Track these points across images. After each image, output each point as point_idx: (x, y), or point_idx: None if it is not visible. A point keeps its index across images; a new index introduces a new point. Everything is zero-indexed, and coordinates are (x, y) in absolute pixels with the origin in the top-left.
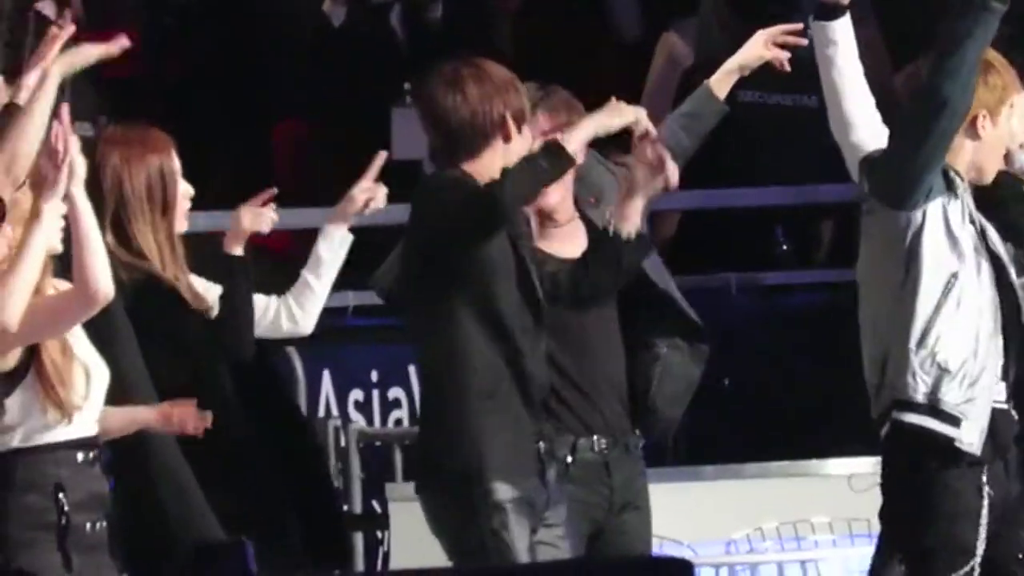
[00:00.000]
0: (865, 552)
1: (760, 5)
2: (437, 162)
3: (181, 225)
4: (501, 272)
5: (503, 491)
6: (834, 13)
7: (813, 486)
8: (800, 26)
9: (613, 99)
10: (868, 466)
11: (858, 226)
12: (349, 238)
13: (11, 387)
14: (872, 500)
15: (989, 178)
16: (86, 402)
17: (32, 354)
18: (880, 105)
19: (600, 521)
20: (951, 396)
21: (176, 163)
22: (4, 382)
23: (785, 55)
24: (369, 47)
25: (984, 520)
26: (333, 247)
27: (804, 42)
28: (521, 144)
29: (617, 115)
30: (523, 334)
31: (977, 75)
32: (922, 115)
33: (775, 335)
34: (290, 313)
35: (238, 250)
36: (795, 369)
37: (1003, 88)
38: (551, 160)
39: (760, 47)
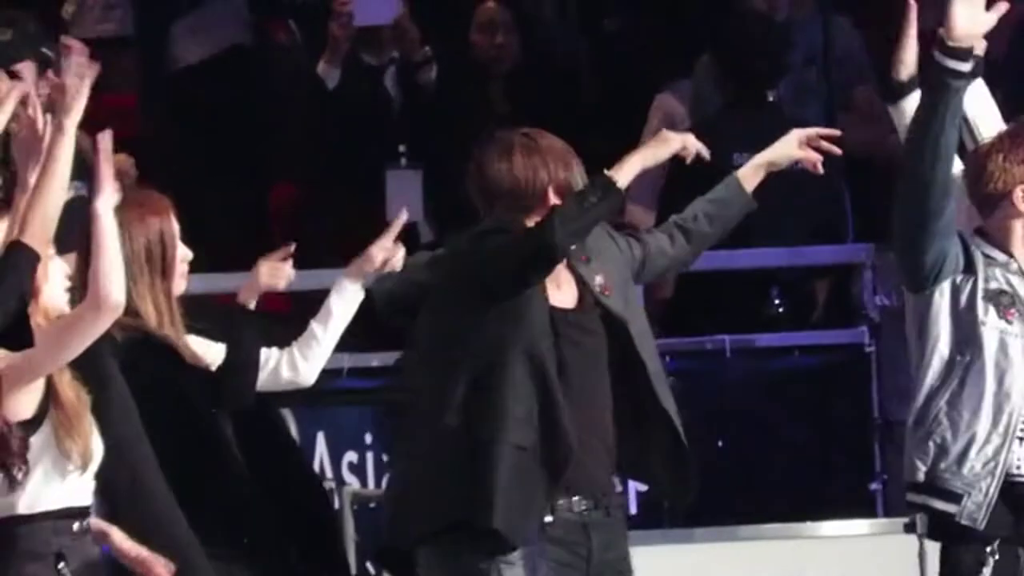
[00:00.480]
0: None
1: (753, 68)
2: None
3: (179, 287)
4: (538, 324)
5: (520, 563)
6: (899, 93)
7: (807, 548)
8: (836, 132)
9: (663, 129)
10: (862, 528)
11: (853, 287)
12: (361, 295)
13: (30, 433)
14: (866, 562)
15: None
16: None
17: (49, 400)
18: (876, 171)
19: None
20: (950, 474)
21: (175, 226)
22: (23, 429)
23: (818, 158)
24: (364, 109)
25: None
26: (345, 301)
27: (838, 151)
28: None
29: (665, 145)
30: (556, 385)
31: (955, 145)
32: (905, 195)
33: (770, 397)
34: (292, 363)
35: (250, 303)
36: (790, 431)
37: None
38: (601, 195)
39: (794, 147)
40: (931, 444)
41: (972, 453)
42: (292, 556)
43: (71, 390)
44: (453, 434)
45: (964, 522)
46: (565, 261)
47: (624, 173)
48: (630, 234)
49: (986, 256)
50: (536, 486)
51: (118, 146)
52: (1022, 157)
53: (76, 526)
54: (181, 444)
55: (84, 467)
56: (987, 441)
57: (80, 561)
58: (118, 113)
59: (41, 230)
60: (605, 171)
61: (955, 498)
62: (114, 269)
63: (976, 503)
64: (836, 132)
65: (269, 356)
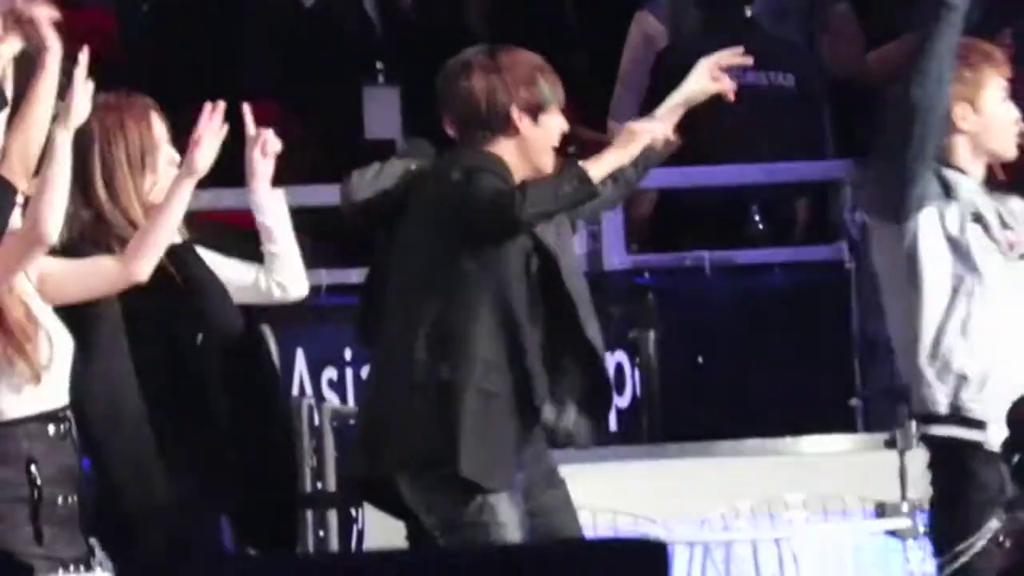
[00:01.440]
0: (840, 530)
1: None
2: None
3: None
4: (513, 264)
5: (502, 507)
6: None
7: (788, 464)
8: (746, 60)
9: (629, 125)
10: (843, 444)
11: (833, 204)
12: (278, 194)
13: None
14: (847, 478)
15: (1010, 153)
16: (51, 366)
17: None
18: (856, 89)
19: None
20: (974, 402)
21: (158, 128)
22: None
23: (732, 85)
24: (341, 27)
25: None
26: (273, 211)
27: (749, 61)
28: (541, 134)
29: (635, 141)
30: (530, 332)
31: (951, 72)
32: (898, 123)
33: (749, 314)
34: (277, 283)
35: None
36: (770, 347)
37: (975, 75)
38: (576, 185)
39: (706, 80)
40: (950, 375)
41: (992, 377)
42: (253, 490)
43: (18, 306)
44: (422, 370)
45: (991, 448)
46: None
47: (599, 169)
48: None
49: (953, 179)
50: (508, 432)
51: (94, 64)
52: (956, 75)
53: (52, 430)
54: (163, 367)
55: (36, 379)
56: (1006, 361)
57: (56, 467)
58: (94, 31)
59: (20, 164)
60: (581, 163)
61: (981, 425)
62: (55, 204)
63: (1001, 428)
64: (745, 60)
65: (257, 274)
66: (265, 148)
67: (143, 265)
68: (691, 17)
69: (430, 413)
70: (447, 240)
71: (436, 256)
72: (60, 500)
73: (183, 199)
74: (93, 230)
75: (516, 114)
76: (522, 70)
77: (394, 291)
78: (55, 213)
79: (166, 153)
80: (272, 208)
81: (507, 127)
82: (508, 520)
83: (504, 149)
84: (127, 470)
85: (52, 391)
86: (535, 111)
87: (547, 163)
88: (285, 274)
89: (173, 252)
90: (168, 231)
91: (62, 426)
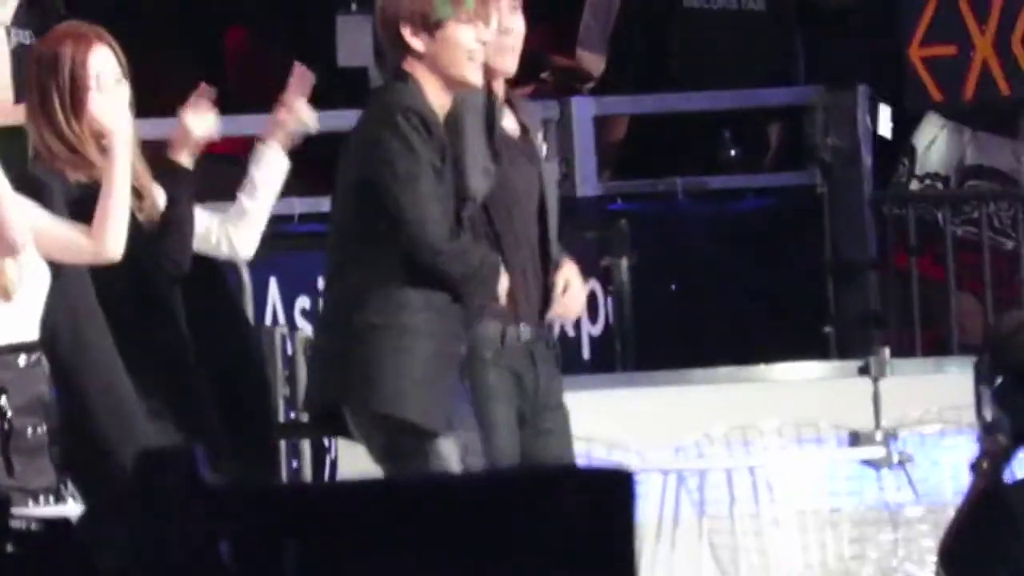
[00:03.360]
0: (814, 457)
1: None
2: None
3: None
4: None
5: (442, 444)
6: None
7: (761, 391)
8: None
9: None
10: (816, 371)
11: (806, 129)
12: (284, 158)
13: None
14: (820, 405)
15: None
16: (22, 294)
17: None
18: (821, 12)
19: (525, 413)
20: None
21: (98, 57)
22: None
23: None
24: None
25: None
26: (268, 168)
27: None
28: (442, 49)
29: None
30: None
31: None
32: None
33: (722, 239)
34: (228, 239)
35: (184, 159)
36: (743, 274)
37: None
38: (478, 290)
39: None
40: None
41: None
42: (219, 420)
43: None
44: (342, 309)
45: None
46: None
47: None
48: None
49: None
50: (446, 369)
51: None
52: None
53: (23, 360)
54: (125, 299)
55: (6, 296)
56: None
57: (26, 397)
58: None
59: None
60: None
61: None
62: (118, 218)
63: None
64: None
65: (211, 225)
66: (292, 108)
67: (112, 244)
68: None
69: (362, 353)
70: (359, 200)
71: (351, 206)
72: (30, 431)
73: (125, 169)
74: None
75: (407, 32)
76: None
77: (335, 226)
78: (118, 227)
79: (106, 87)
80: (272, 167)
81: (404, 47)
82: (449, 456)
83: (413, 67)
84: (97, 399)
85: (24, 322)
86: (430, 27)
87: (467, 75)
88: (243, 234)
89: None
90: (122, 202)
91: (32, 356)
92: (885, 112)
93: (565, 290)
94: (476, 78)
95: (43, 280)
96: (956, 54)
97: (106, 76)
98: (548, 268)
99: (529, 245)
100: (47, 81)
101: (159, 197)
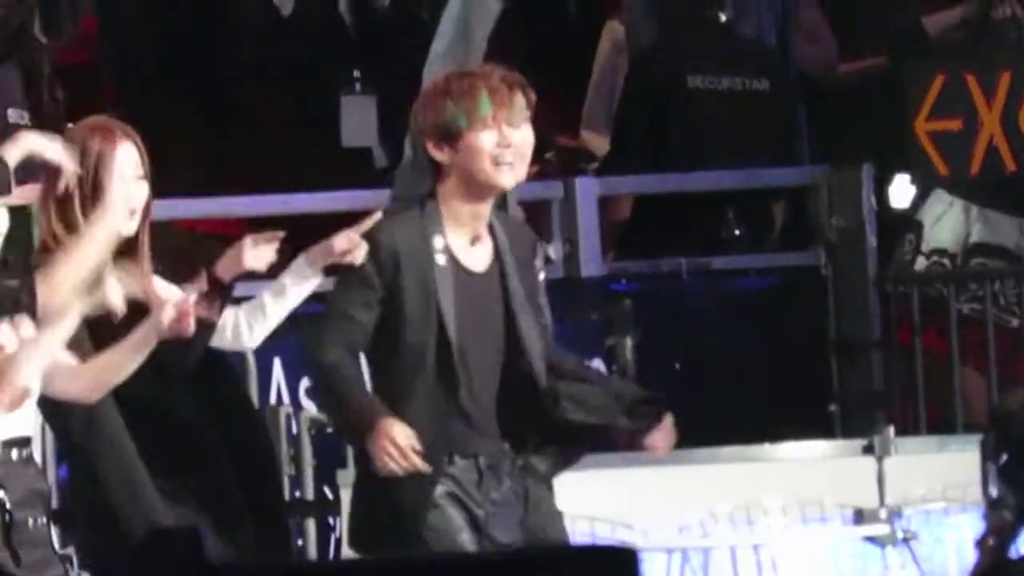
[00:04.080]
0: (819, 535)
1: None
2: None
3: (125, 228)
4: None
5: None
6: None
7: (766, 470)
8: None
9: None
10: (820, 450)
11: (809, 208)
12: (318, 278)
13: None
14: (825, 484)
15: None
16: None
17: None
18: (826, 91)
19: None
20: None
21: (123, 156)
22: None
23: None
24: (318, 35)
25: None
26: (301, 283)
27: None
28: (464, 158)
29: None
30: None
31: None
32: None
33: (726, 319)
34: (236, 328)
35: (225, 275)
36: (747, 353)
37: None
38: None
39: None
40: None
41: None
42: (238, 499)
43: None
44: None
45: None
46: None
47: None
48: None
49: None
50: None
51: (77, 71)
52: None
53: (15, 454)
54: (136, 382)
55: (11, 408)
56: None
57: (23, 490)
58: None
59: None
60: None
61: None
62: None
63: None
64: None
65: (226, 319)
66: (349, 255)
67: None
68: (647, 31)
69: None
70: None
71: None
72: (30, 522)
73: (145, 344)
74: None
75: (431, 147)
76: (426, 100)
77: None
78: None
79: (122, 190)
80: (305, 283)
81: (431, 161)
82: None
83: (444, 181)
84: (113, 483)
85: (16, 418)
86: (451, 138)
87: (494, 180)
88: (257, 331)
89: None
90: (119, 370)
91: (24, 450)
92: (903, 180)
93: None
94: (506, 181)
95: (35, 384)
96: (962, 129)
97: (129, 172)
98: (533, 392)
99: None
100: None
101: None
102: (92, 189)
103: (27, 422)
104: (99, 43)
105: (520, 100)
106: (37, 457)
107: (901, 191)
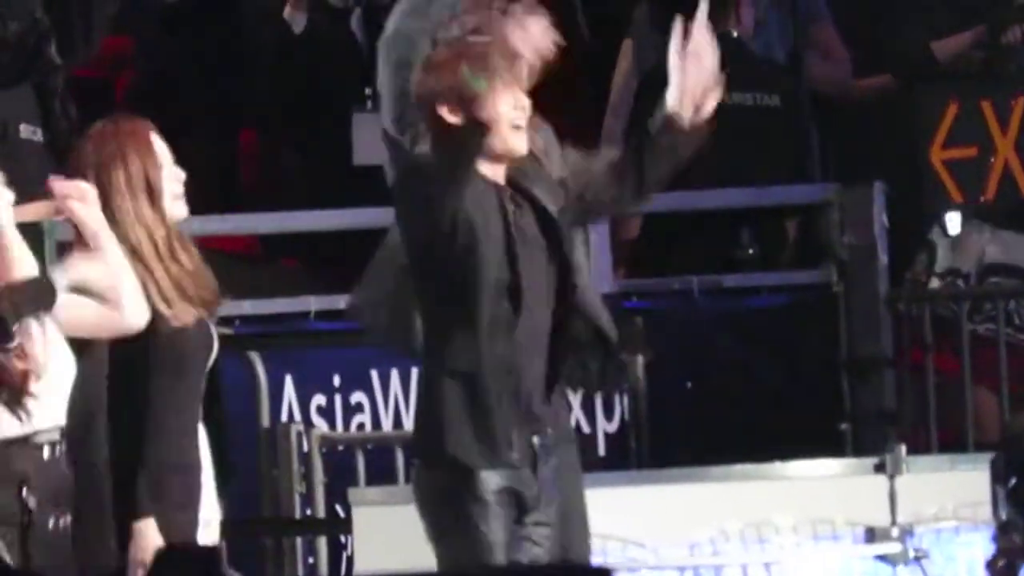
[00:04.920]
0: (830, 553)
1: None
2: None
3: (176, 212)
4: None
5: (488, 480)
6: None
7: (777, 488)
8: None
9: None
10: (832, 468)
11: (821, 226)
12: None
13: None
14: (836, 502)
15: None
16: (45, 375)
17: None
18: (837, 107)
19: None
20: None
21: (158, 147)
22: None
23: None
24: (330, 53)
25: None
26: None
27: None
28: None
29: None
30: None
31: None
32: None
33: (738, 337)
34: None
35: None
36: (758, 371)
37: None
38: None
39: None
40: None
41: None
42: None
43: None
44: (424, 364)
45: None
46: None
47: None
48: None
49: None
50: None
51: (89, 85)
52: None
53: (47, 450)
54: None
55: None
56: None
57: (50, 487)
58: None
59: None
60: None
61: None
62: (128, 284)
63: None
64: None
65: None
66: None
67: (132, 315)
68: (655, 47)
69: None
70: None
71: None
72: (51, 522)
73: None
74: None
75: (445, 111)
76: (436, 63)
77: None
78: (136, 297)
79: (170, 172)
80: None
81: (444, 125)
82: (495, 528)
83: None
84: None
85: (47, 409)
86: (466, 102)
87: (512, 145)
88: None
89: None
90: (124, 268)
91: (57, 448)
92: (955, 217)
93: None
94: (521, 146)
95: (68, 367)
96: (977, 155)
97: (167, 161)
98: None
99: (537, 338)
100: (113, 179)
101: None
102: (144, 185)
103: (58, 413)
104: (109, 63)
105: (524, 64)
106: None
107: (953, 223)
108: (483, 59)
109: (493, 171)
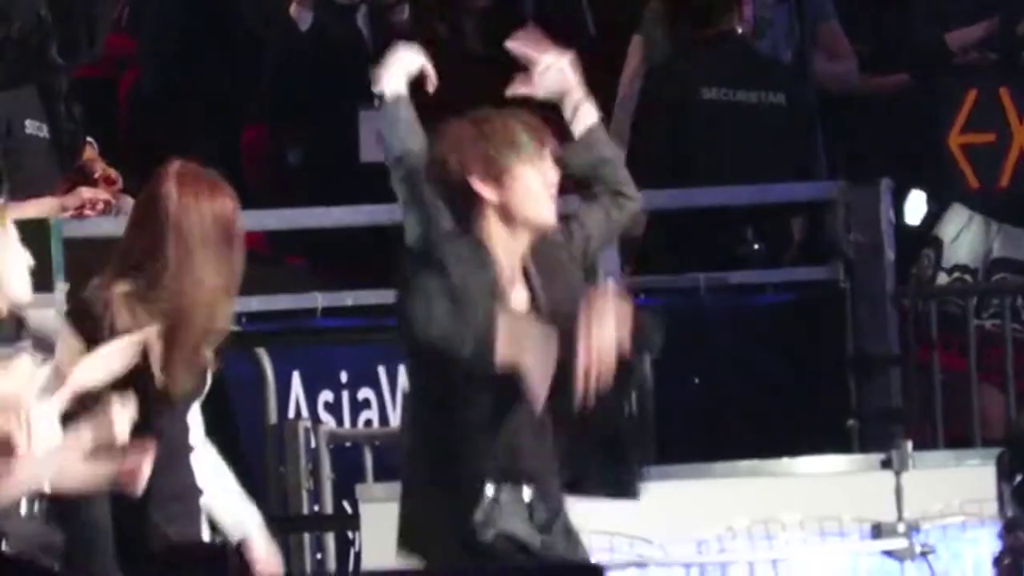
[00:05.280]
0: (836, 550)
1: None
2: None
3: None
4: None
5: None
6: None
7: (784, 485)
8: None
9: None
10: (839, 465)
11: (827, 223)
12: None
13: None
14: (843, 499)
15: None
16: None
17: None
18: (847, 106)
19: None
20: None
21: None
22: None
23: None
24: (337, 50)
25: None
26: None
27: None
28: (515, 191)
29: None
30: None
31: None
32: None
33: (744, 334)
34: None
35: None
36: (765, 368)
37: None
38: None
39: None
40: None
41: None
42: None
43: None
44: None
45: None
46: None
47: None
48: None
49: None
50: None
51: (94, 85)
52: None
53: (24, 507)
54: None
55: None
56: None
57: (25, 545)
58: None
59: None
60: None
61: None
62: None
63: None
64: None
65: None
66: None
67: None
68: (662, 44)
69: None
70: None
71: None
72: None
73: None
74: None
75: (476, 182)
76: (458, 139)
77: None
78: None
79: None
80: None
81: (475, 197)
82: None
83: (487, 217)
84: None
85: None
86: (497, 173)
87: (542, 216)
88: None
89: None
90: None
91: (34, 505)
92: (919, 198)
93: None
94: (550, 217)
95: (54, 439)
96: (995, 141)
97: None
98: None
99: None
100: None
101: None
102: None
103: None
104: (114, 60)
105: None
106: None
107: (915, 208)
108: (507, 132)
109: (514, 248)
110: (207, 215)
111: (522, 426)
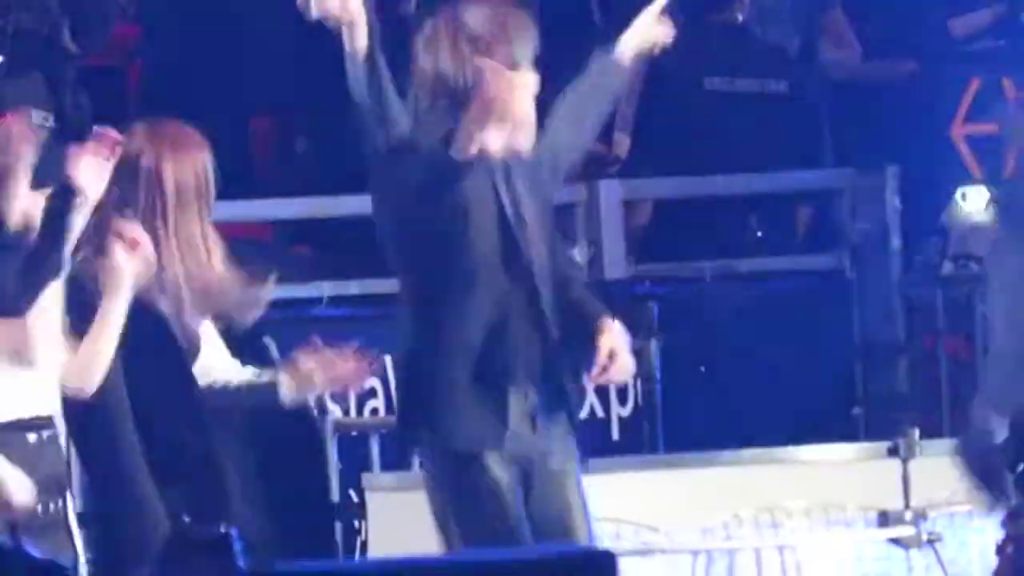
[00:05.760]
0: (842, 537)
1: None
2: None
3: None
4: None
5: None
6: None
7: (790, 473)
8: None
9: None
10: (845, 452)
11: (833, 212)
12: None
13: None
14: (849, 486)
15: None
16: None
17: None
18: (848, 93)
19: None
20: None
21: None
22: None
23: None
24: (343, 39)
25: None
26: None
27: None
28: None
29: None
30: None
31: None
32: None
33: (750, 322)
34: None
35: None
36: (771, 356)
37: None
38: None
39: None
40: None
41: None
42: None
43: None
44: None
45: None
46: None
47: None
48: None
49: None
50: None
51: (100, 73)
52: None
53: (33, 437)
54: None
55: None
56: None
57: (37, 476)
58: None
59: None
60: None
61: None
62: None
63: None
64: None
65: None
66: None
67: (93, 381)
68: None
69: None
70: None
71: None
72: (40, 508)
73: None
74: None
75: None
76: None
77: None
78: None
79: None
80: None
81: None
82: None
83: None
84: (110, 481)
85: (36, 396)
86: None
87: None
88: None
89: None
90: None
91: (44, 432)
92: (978, 192)
93: (611, 357)
94: (531, 113)
95: (58, 353)
96: (997, 132)
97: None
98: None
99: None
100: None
101: None
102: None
103: (45, 401)
104: (121, 49)
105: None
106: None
107: (974, 201)
108: (524, 31)
109: (500, 136)
110: (182, 166)
111: (513, 323)
